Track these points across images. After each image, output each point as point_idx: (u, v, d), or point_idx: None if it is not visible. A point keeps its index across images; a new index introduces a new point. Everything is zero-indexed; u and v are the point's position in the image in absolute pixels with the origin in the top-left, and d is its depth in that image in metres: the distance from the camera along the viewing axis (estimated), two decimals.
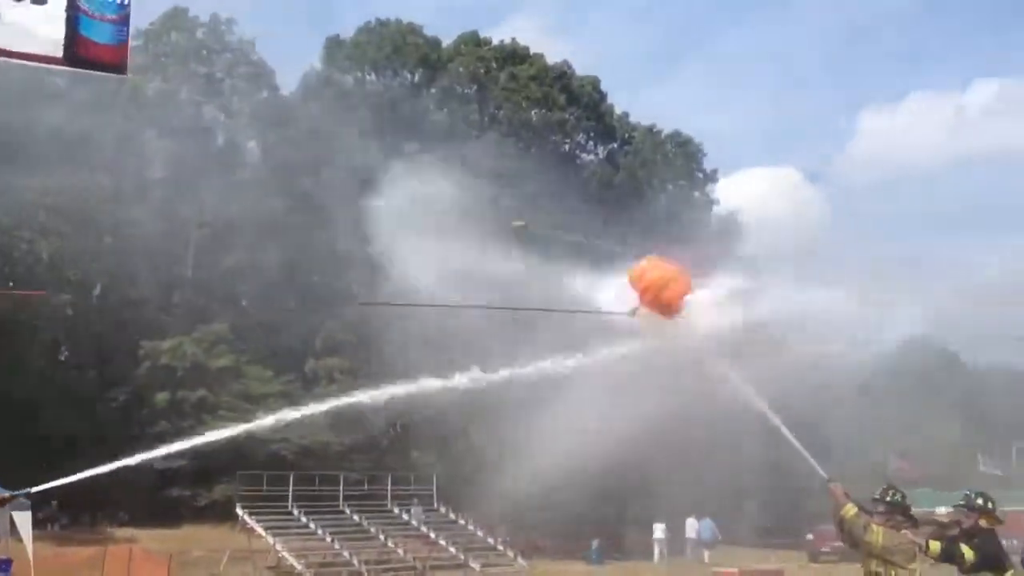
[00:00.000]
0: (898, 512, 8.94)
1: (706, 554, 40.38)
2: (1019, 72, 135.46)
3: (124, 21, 9.74)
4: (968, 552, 8.98)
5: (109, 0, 9.51)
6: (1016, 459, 54.19)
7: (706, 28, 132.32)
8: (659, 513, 41.44)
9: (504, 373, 11.21)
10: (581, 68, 57.29)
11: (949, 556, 9.03)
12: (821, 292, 12.82)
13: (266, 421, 9.57)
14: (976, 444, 55.22)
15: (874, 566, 8.71)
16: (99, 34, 9.54)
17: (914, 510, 9.30)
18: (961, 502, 9.53)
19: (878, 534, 8.61)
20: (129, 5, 9.73)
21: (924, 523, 9.50)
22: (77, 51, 9.51)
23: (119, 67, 10.09)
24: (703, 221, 58.71)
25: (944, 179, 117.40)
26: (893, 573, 8.55)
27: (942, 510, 9.56)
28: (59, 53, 9.47)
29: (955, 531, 9.33)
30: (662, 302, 10.10)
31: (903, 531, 8.83)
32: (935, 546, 8.97)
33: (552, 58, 55.93)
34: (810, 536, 41.21)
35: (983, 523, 9.29)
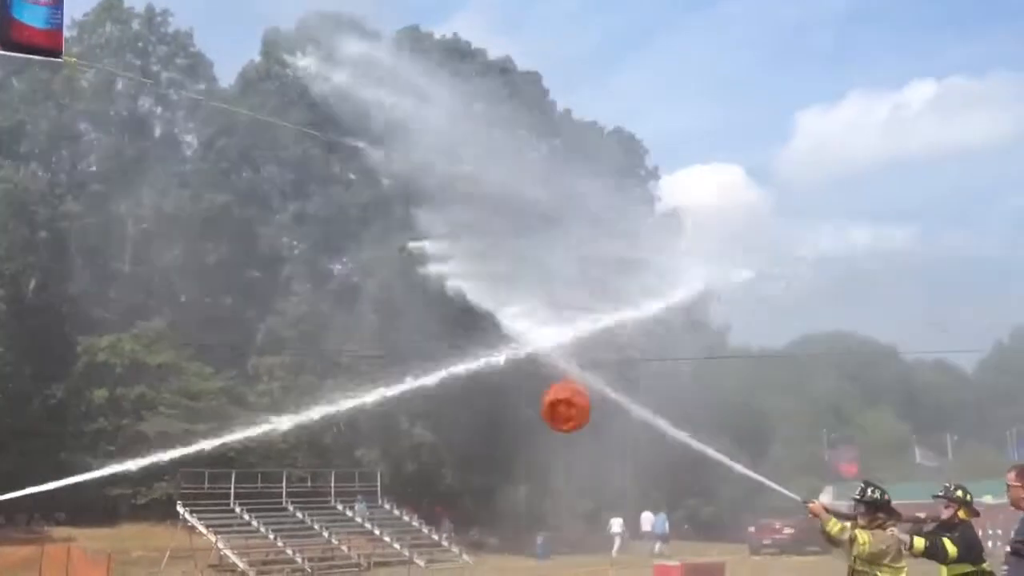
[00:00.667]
0: (880, 509, 9.03)
1: (658, 546, 41.17)
2: (955, 72, 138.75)
3: (58, 4, 9.64)
4: (951, 547, 9.14)
5: None
6: (952, 451, 55.45)
7: (645, 28, 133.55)
8: (607, 508, 41.95)
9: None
10: (523, 65, 57.41)
11: (933, 552, 9.17)
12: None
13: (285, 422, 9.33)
14: (912, 436, 56.45)
15: (859, 566, 8.82)
16: (33, 18, 9.43)
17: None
18: (940, 493, 9.68)
19: (865, 543, 8.70)
20: None
21: (904, 520, 9.64)
22: (11, 35, 9.39)
23: (54, 51, 10.00)
24: (644, 218, 59.19)
25: (881, 176, 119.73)
26: (878, 573, 8.69)
27: None
28: None
29: (930, 525, 9.49)
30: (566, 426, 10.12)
31: (888, 529, 8.94)
32: (920, 543, 9.03)
33: (494, 54, 56.01)
34: (752, 529, 41.89)
35: (961, 515, 9.46)
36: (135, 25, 49.65)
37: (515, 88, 54.81)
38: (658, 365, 42.37)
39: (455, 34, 56.38)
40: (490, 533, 41.27)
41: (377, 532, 38.36)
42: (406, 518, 40.02)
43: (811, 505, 9.23)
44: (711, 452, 10.09)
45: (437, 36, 56.49)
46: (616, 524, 41.94)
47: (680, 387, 41.96)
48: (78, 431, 37.70)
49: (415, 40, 55.57)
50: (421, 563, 35.67)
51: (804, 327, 66.01)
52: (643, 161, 61.08)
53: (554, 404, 9.69)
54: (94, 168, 46.94)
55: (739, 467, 10.00)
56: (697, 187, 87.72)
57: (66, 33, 34.09)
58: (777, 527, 40.37)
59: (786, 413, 55.12)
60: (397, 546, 37.37)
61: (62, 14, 9.77)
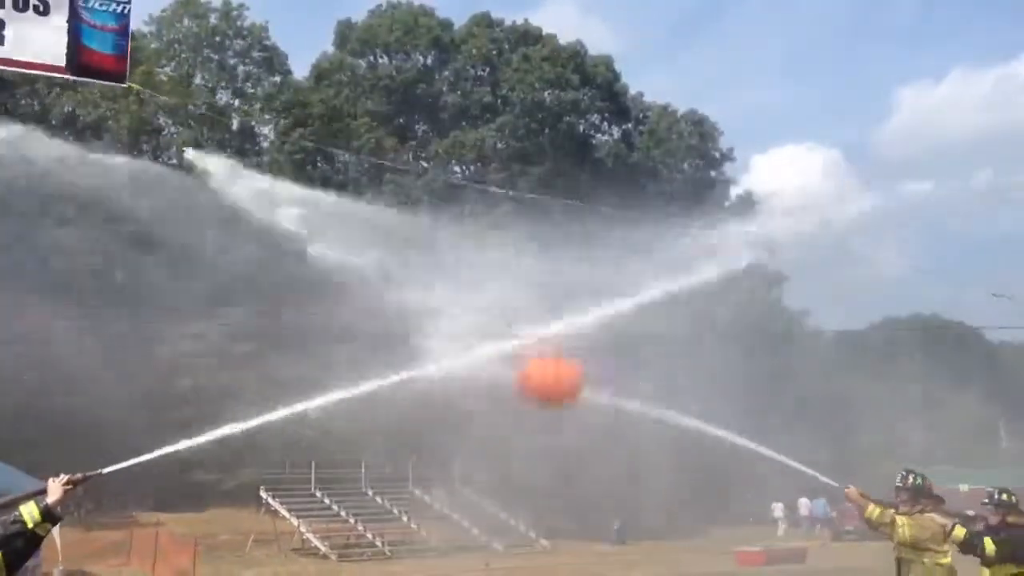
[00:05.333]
0: (922, 495, 8.91)
1: (818, 528, 42.92)
2: None
3: (124, 31, 9.88)
4: (990, 546, 8.99)
5: (110, 11, 9.65)
6: None
7: (718, 5, 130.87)
8: (682, 495, 41.75)
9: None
10: (594, 48, 57.04)
11: (971, 547, 9.03)
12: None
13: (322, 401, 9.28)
14: (998, 419, 55.11)
15: (905, 553, 8.70)
16: (101, 44, 9.69)
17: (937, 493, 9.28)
18: (986, 500, 9.53)
19: (904, 527, 8.61)
20: (129, 15, 9.85)
21: (950, 515, 9.48)
22: (80, 61, 9.67)
23: (119, 76, 10.26)
24: (720, 201, 58.53)
25: (985, 154, 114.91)
26: (925, 559, 8.55)
27: (964, 487, 9.53)
28: (62, 63, 9.60)
29: (979, 526, 9.32)
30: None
31: (928, 514, 8.80)
32: (960, 532, 8.93)
33: (565, 38, 55.72)
34: (833, 514, 41.33)
35: (1010, 520, 9.29)
36: (212, 19, 50.56)
37: (586, 73, 54.59)
38: (736, 348, 41.94)
39: (526, 20, 56.24)
40: (567, 519, 41.26)
41: (455, 517, 38.66)
42: (483, 503, 40.24)
43: (848, 491, 9.13)
44: (736, 438, 9.84)
45: (508, 23, 56.43)
46: (778, 508, 43.76)
47: (756, 372, 41.50)
48: (164, 420, 38.54)
49: (486, 27, 55.69)
50: (499, 548, 35.87)
51: (886, 309, 64.90)
52: (717, 143, 60.31)
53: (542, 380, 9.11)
54: (175, 161, 47.84)
55: (771, 453, 9.78)
56: (787, 168, 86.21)
57: (144, 29, 34.65)
58: (859, 513, 39.75)
59: (870, 398, 54.14)
60: (475, 531, 37.62)
61: (128, 40, 10.01)
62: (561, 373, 9.04)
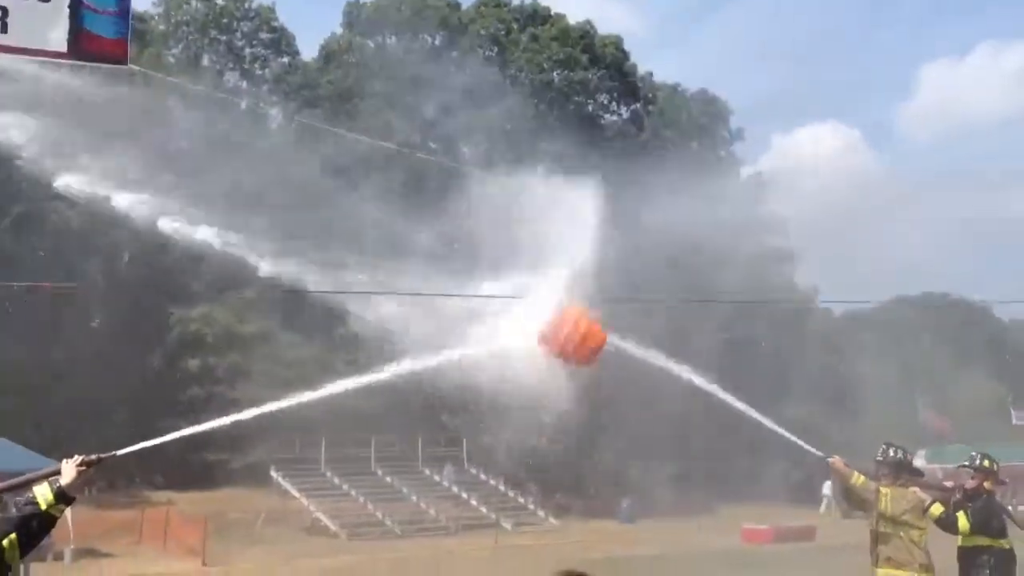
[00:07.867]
0: (903, 469, 8.96)
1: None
2: None
3: (125, 14, 9.96)
4: (963, 521, 9.13)
5: None
6: None
7: None
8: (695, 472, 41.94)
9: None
10: (605, 28, 56.88)
11: (946, 523, 9.15)
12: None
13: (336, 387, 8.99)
14: (1008, 397, 55.10)
15: (883, 527, 8.74)
16: (102, 28, 9.75)
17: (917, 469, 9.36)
18: (965, 463, 9.61)
19: (887, 499, 8.65)
20: None
21: (930, 487, 9.53)
22: (81, 45, 9.73)
23: (121, 59, 10.36)
24: (729, 181, 58.33)
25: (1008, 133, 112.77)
26: (902, 533, 8.59)
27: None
28: (64, 48, 9.68)
29: (957, 495, 9.39)
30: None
31: (910, 488, 8.87)
32: (937, 510, 9.08)
33: (574, 18, 55.54)
34: None
35: (987, 486, 9.39)
36: (219, 1, 50.47)
37: (595, 53, 54.41)
38: (744, 328, 41.95)
39: None
40: (576, 497, 41.43)
41: (464, 496, 38.86)
42: (492, 482, 40.43)
43: (832, 460, 9.15)
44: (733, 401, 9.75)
45: (516, 3, 56.24)
46: (825, 487, 43.62)
47: (766, 349, 41.54)
48: (173, 399, 38.75)
49: (494, 7, 55.51)
50: (508, 526, 36.05)
51: (897, 288, 64.69)
52: (727, 123, 60.10)
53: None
54: (183, 143, 47.89)
55: (759, 416, 9.73)
56: (806, 148, 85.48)
57: (152, 10, 34.80)
58: (842, 483, 39.93)
59: (878, 376, 54.16)
60: (484, 510, 37.81)
61: (129, 23, 10.11)
62: (585, 327, 8.99)
